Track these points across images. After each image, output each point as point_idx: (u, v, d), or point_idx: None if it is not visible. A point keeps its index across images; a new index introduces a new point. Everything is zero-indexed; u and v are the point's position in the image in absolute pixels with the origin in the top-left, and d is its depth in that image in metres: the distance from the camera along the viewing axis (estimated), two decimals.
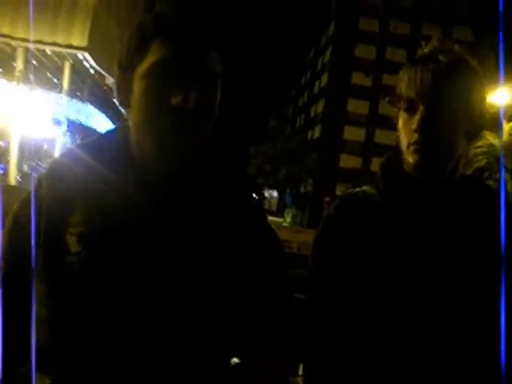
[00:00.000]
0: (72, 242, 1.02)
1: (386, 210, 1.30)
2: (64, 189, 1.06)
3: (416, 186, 1.29)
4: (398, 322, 1.20)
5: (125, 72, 1.07)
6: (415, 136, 1.25)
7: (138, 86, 1.04)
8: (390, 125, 1.39)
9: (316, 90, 65.76)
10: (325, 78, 60.91)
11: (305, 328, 1.26)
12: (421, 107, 1.25)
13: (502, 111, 1.40)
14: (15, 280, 1.07)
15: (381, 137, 50.15)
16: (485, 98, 1.31)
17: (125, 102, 1.09)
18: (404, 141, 1.30)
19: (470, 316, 1.19)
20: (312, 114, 66.08)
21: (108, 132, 1.17)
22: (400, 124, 1.33)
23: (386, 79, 53.23)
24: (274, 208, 65.27)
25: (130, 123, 1.09)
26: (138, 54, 1.05)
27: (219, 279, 1.05)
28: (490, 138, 2.51)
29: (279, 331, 1.15)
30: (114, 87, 1.11)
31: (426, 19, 56.70)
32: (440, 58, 1.26)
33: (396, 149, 1.37)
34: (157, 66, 1.02)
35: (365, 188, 1.39)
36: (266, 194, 70.53)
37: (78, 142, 1.13)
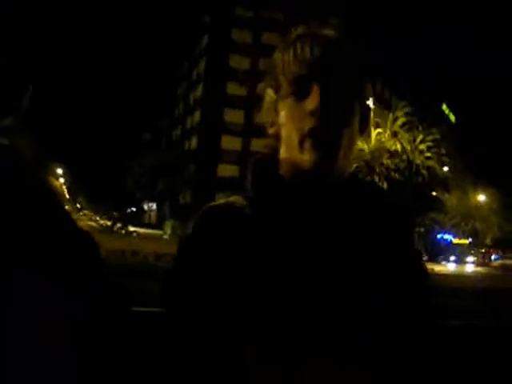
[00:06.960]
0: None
1: (256, 227, 1.03)
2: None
3: (298, 197, 1.04)
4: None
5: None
6: (312, 121, 1.00)
7: None
8: (266, 133, 1.12)
9: (191, 100, 65.93)
10: (200, 89, 61.29)
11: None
12: (315, 85, 1.02)
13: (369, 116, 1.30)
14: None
15: (257, 145, 51.05)
16: (368, 80, 1.13)
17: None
18: (294, 134, 1.03)
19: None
20: (188, 125, 66.09)
21: None
22: (283, 115, 1.07)
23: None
24: (153, 220, 64.44)
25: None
26: None
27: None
28: (358, 143, 2.57)
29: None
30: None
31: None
32: (324, 32, 1.08)
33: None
34: None
35: (232, 199, 1.10)
36: (146, 207, 69.48)
37: None
